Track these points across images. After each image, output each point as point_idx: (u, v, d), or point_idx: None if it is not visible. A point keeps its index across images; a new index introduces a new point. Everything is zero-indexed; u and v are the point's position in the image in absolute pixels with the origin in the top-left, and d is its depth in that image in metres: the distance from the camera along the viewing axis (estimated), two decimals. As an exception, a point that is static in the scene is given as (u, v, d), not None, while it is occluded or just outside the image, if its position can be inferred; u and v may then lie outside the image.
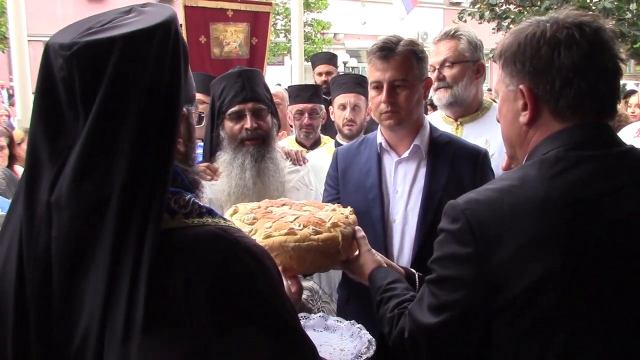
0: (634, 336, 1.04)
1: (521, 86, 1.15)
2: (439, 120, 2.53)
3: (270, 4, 4.91)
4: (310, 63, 5.21)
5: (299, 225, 1.47)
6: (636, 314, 1.04)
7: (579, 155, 1.09)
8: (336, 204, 1.74)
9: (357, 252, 1.57)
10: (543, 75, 1.11)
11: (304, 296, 1.96)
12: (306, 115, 3.17)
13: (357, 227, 1.59)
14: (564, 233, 1.03)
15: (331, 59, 4.98)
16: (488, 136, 2.34)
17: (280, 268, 1.31)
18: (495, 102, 2.35)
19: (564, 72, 1.09)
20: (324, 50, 15.04)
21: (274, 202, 1.69)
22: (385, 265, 1.53)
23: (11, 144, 3.94)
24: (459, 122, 2.48)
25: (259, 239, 1.44)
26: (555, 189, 1.06)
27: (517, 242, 1.04)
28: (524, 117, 1.16)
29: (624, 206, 1.05)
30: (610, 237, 1.04)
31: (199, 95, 2.95)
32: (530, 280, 1.03)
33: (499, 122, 1.27)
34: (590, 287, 1.03)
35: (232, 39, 4.60)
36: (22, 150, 4.08)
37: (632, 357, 1.04)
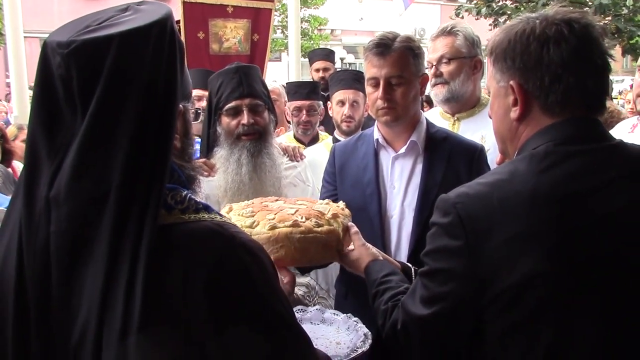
0: (623, 330, 1.05)
1: (511, 82, 1.16)
2: (437, 116, 2.54)
3: (272, 0, 4.86)
4: (307, 59, 5.20)
5: (302, 218, 1.47)
6: (625, 307, 1.05)
7: (568, 150, 1.10)
8: (327, 200, 1.74)
9: (351, 247, 1.57)
10: (533, 72, 1.12)
11: (300, 292, 1.96)
12: (304, 112, 3.17)
13: (350, 223, 1.60)
14: (553, 228, 1.04)
15: (328, 55, 4.96)
16: (484, 132, 2.35)
17: (273, 260, 1.31)
18: (490, 98, 2.35)
19: (553, 68, 1.10)
20: (321, 46, 15.03)
21: (267, 199, 1.69)
22: (381, 258, 1.53)
23: (3, 139, 3.91)
24: (455, 118, 2.49)
25: (263, 229, 1.43)
26: (544, 183, 1.06)
27: (506, 236, 1.05)
28: (514, 113, 1.17)
29: (613, 200, 1.06)
30: (599, 232, 1.05)
31: (200, 91, 2.96)
32: (519, 274, 1.04)
33: (491, 118, 1.28)
34: (579, 281, 1.04)
35: (231, 35, 4.56)
36: (17, 145, 4.07)
37: (620, 350, 1.05)
